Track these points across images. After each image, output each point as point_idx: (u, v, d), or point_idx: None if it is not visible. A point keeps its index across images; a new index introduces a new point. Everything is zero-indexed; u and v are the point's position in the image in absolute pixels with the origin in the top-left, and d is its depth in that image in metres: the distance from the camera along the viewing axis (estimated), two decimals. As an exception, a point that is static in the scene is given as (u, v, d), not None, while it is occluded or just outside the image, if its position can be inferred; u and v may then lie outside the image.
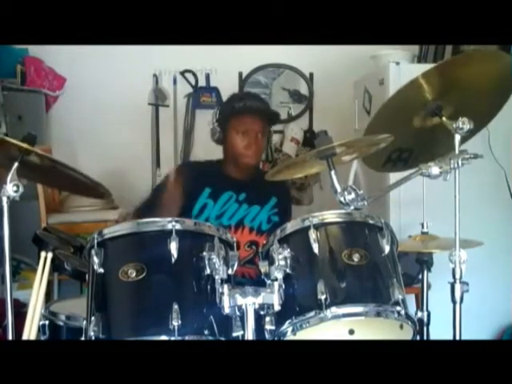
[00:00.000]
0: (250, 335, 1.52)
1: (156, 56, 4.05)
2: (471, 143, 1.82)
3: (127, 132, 4.16)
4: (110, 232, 1.65)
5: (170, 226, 1.61)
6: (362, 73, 3.59)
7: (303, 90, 4.35)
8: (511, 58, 1.81)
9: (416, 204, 2.20)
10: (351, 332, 1.67)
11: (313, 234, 1.62)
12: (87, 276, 1.67)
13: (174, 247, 1.57)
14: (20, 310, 2.59)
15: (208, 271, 1.58)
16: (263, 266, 1.64)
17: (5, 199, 1.68)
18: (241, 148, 2.31)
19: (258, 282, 1.63)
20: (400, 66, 3.10)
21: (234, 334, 1.55)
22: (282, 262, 1.59)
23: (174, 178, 2.44)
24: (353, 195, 1.70)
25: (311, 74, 4.32)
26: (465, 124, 1.68)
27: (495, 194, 3.15)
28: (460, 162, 1.67)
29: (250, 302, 1.51)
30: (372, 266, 1.63)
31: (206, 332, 1.54)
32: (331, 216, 1.68)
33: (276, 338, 1.58)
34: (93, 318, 1.55)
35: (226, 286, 1.52)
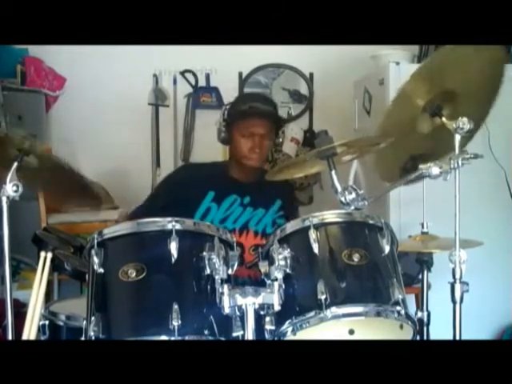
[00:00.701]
0: (249, 335, 1.52)
1: (156, 56, 4.05)
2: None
3: (127, 132, 4.16)
4: (109, 232, 1.65)
5: (169, 226, 1.61)
6: (362, 73, 3.59)
7: (303, 90, 4.35)
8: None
9: (416, 204, 2.19)
10: (351, 332, 1.67)
11: (313, 234, 1.62)
12: (87, 276, 1.67)
13: (173, 247, 1.57)
14: (20, 310, 2.58)
15: (208, 271, 1.58)
16: (263, 266, 1.64)
17: (4, 199, 1.68)
18: (245, 150, 2.29)
19: (262, 284, 1.63)
20: (400, 66, 3.10)
21: (234, 334, 1.54)
22: (282, 262, 1.59)
23: (174, 180, 2.43)
24: (353, 195, 1.70)
25: (311, 74, 4.32)
26: (465, 124, 1.68)
27: (495, 193, 3.15)
28: (460, 162, 1.67)
29: (249, 301, 1.51)
30: (372, 265, 1.63)
31: (206, 332, 1.54)
32: (331, 216, 1.68)
33: (276, 338, 1.58)
34: (93, 318, 1.55)
35: (225, 286, 1.52)
